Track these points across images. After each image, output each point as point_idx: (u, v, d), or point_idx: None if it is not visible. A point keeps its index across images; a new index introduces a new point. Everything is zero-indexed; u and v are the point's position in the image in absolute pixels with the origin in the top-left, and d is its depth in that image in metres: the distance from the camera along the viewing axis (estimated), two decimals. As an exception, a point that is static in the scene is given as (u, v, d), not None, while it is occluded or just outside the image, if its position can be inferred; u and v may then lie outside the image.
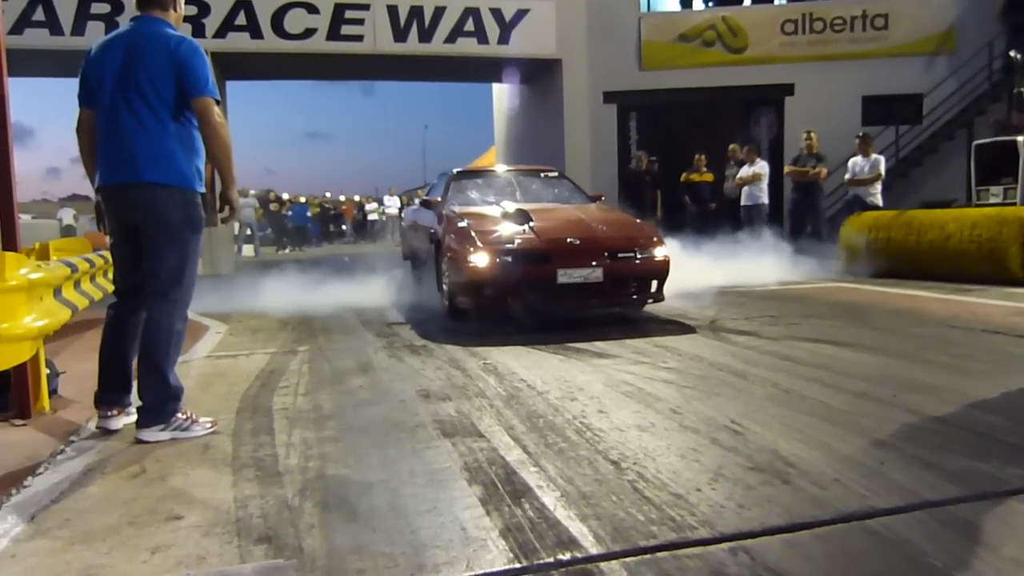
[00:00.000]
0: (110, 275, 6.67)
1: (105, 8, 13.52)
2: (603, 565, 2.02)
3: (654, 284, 6.25)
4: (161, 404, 3.31)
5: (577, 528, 2.24)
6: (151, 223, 3.32)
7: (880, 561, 2.02)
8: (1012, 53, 12.44)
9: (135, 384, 3.46)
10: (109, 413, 3.48)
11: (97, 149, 3.42)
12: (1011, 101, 11.17)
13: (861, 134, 11.22)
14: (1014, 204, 9.88)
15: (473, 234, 6.15)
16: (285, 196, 27.51)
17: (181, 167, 3.33)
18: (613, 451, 2.94)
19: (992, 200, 10.70)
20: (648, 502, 2.41)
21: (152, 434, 3.29)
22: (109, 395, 3.49)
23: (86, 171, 3.54)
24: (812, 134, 11.64)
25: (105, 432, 3.44)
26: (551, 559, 2.06)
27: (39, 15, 13.43)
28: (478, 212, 6.83)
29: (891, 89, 15.96)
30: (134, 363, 3.48)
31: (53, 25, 13.49)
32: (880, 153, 11.68)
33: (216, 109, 3.34)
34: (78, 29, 13.49)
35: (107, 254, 6.38)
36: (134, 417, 3.38)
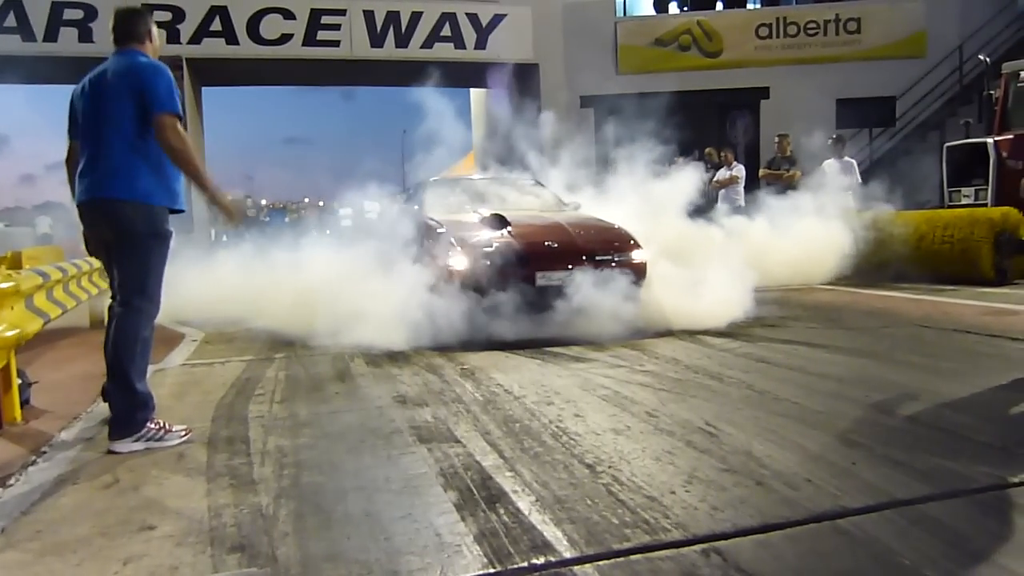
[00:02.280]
0: (84, 283, 6.64)
1: (78, 14, 13.40)
2: (577, 569, 2.03)
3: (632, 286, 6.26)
4: (130, 414, 3.30)
5: (551, 532, 2.25)
6: (116, 235, 3.39)
7: (850, 560, 2.05)
8: (982, 56, 12.65)
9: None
10: None
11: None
12: (981, 103, 11.32)
13: (834, 136, 11.33)
14: (985, 205, 10.01)
15: (452, 239, 6.15)
16: (264, 202, 27.37)
17: (145, 184, 3.38)
18: (588, 455, 2.96)
19: (964, 201, 10.81)
20: (622, 505, 2.43)
21: (125, 445, 3.26)
22: None
23: (72, 195, 3.60)
24: (784, 138, 11.74)
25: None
26: (525, 564, 2.07)
27: (11, 21, 13.30)
28: (456, 218, 6.83)
29: (865, 92, 16.16)
30: None
31: (25, 31, 13.35)
32: (854, 156, 11.79)
33: (175, 125, 3.36)
34: (51, 35, 13.36)
35: (81, 262, 6.36)
36: None
